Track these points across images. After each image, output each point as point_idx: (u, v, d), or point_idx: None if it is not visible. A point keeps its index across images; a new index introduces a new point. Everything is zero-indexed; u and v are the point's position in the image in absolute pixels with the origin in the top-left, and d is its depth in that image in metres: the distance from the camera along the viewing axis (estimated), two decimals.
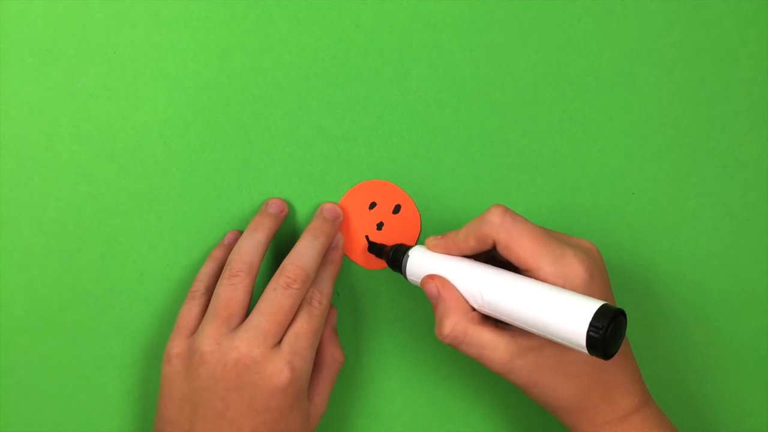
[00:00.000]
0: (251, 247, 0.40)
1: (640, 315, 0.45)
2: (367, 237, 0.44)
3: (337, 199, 0.44)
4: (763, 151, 0.45)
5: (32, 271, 0.43)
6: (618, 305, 0.42)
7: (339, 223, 0.43)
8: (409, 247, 0.41)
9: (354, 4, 0.43)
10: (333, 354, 0.42)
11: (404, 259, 0.40)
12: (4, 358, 0.43)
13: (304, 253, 0.40)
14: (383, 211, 0.44)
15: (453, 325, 0.36)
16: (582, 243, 0.38)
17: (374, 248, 0.43)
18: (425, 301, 0.44)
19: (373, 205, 0.44)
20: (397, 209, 0.44)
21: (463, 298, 0.37)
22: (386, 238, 0.44)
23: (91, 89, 0.42)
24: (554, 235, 0.37)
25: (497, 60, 0.44)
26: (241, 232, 0.42)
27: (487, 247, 0.37)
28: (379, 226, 0.44)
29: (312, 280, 0.40)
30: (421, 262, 0.39)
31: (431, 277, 0.38)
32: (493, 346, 0.36)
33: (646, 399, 0.38)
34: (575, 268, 0.35)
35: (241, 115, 0.43)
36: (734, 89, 0.45)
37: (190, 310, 0.40)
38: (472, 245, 0.37)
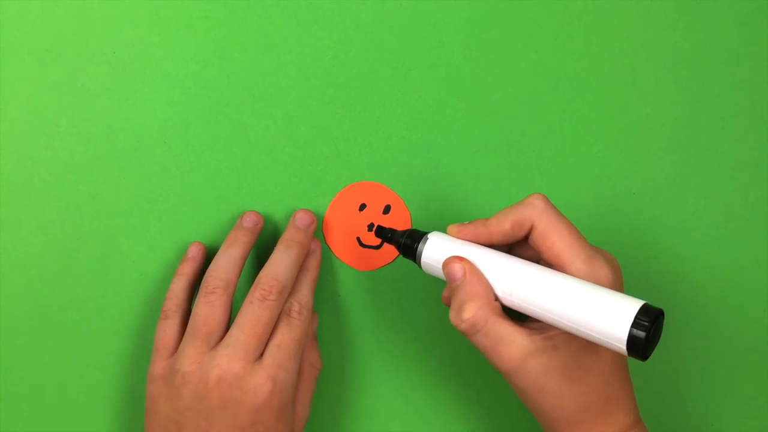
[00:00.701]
0: (227, 263, 0.40)
1: None
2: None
3: (330, 200, 0.44)
4: (764, 151, 0.45)
5: (32, 271, 0.43)
6: None
7: (313, 230, 0.42)
8: (425, 232, 0.39)
9: (354, 4, 0.43)
10: (312, 361, 0.42)
11: (421, 244, 0.38)
12: (4, 358, 0.43)
13: (278, 264, 0.39)
14: (373, 212, 0.44)
15: (475, 310, 0.35)
16: (606, 254, 0.37)
17: (383, 233, 0.41)
18: (425, 301, 0.44)
19: (362, 207, 0.44)
20: (387, 210, 0.44)
21: (490, 284, 0.35)
22: (377, 238, 0.44)
23: (91, 89, 0.42)
24: (584, 239, 0.36)
25: (497, 60, 0.44)
26: (203, 245, 0.42)
27: (522, 233, 0.36)
28: (370, 227, 0.44)
29: (289, 290, 0.39)
30: (442, 247, 0.37)
31: (457, 258, 0.36)
32: (509, 341, 0.35)
33: (639, 419, 0.37)
34: (605, 272, 0.34)
35: (241, 115, 0.43)
36: (734, 89, 0.45)
37: (166, 330, 0.40)
38: (505, 229, 0.36)
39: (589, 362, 0.34)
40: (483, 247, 0.37)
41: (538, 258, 0.37)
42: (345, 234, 0.44)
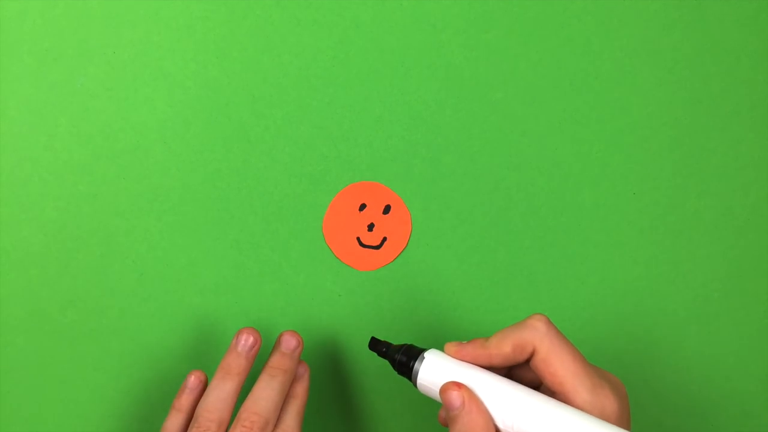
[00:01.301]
0: (219, 401, 0.38)
1: (641, 315, 0.45)
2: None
3: (330, 200, 0.44)
4: (764, 151, 0.45)
5: (32, 271, 0.43)
6: (618, 306, 0.42)
7: (299, 353, 0.40)
8: (422, 349, 0.36)
9: (354, 4, 0.43)
10: None
11: (417, 363, 0.36)
12: (4, 358, 0.43)
13: (260, 397, 0.37)
14: (373, 212, 0.44)
15: None
16: (612, 378, 0.35)
17: (377, 346, 0.38)
18: (425, 302, 0.44)
19: (363, 207, 0.44)
20: (387, 209, 0.44)
21: (490, 415, 0.33)
22: (377, 238, 0.44)
23: (91, 89, 0.42)
24: (589, 363, 0.35)
25: (497, 60, 0.44)
26: (204, 375, 0.40)
27: (523, 357, 0.34)
28: (370, 227, 0.44)
29: (273, 423, 0.38)
30: (438, 369, 0.35)
31: (456, 384, 0.34)
32: None
33: None
34: (611, 402, 0.33)
35: (241, 115, 0.43)
36: (735, 89, 0.45)
37: None
38: (506, 352, 0.34)
39: None
40: (482, 369, 0.35)
41: (539, 382, 0.36)
42: (345, 234, 0.44)
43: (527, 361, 0.35)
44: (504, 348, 0.34)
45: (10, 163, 0.42)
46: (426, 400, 0.45)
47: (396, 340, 0.45)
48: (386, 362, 0.45)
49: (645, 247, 0.45)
